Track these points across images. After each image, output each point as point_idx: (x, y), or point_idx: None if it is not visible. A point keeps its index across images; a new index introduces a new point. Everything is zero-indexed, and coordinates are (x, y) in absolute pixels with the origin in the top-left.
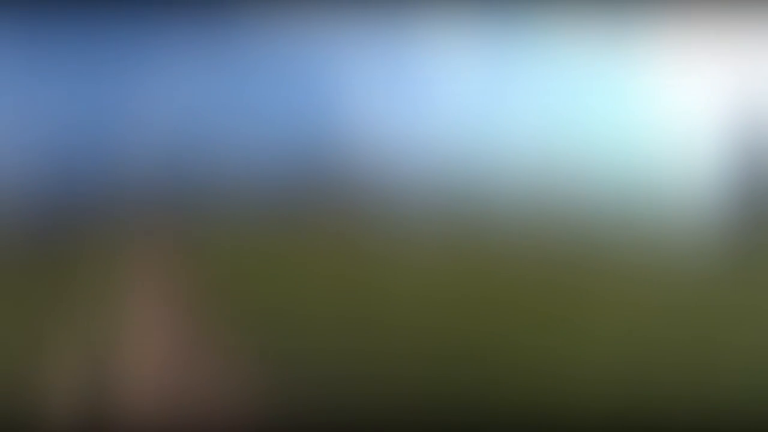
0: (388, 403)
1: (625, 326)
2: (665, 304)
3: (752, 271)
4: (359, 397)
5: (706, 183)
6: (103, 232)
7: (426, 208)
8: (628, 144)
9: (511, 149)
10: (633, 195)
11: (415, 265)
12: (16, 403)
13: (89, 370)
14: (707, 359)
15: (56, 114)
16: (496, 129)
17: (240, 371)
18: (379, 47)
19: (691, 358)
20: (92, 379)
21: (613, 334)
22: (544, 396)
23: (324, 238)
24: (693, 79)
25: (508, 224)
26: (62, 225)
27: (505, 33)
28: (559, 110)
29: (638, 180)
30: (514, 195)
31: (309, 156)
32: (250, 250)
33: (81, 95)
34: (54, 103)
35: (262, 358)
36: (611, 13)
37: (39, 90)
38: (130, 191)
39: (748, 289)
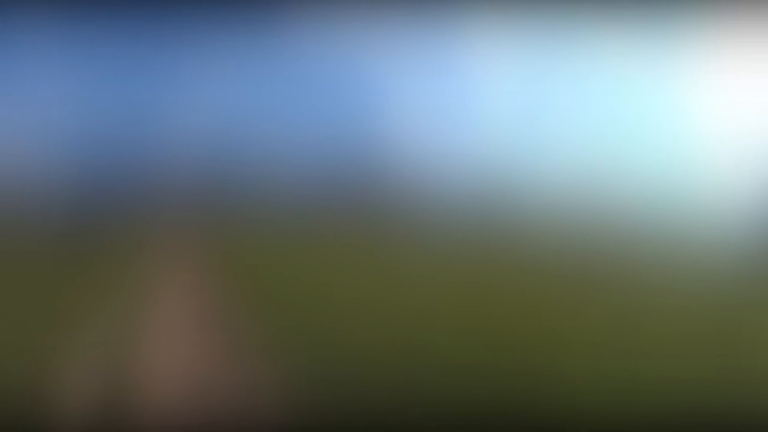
0: (411, 406)
1: (675, 340)
2: (704, 317)
3: None
4: (383, 399)
5: (745, 190)
6: (133, 230)
7: (462, 215)
8: (666, 151)
9: (550, 156)
10: (672, 202)
11: (449, 272)
12: (37, 401)
13: (112, 369)
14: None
15: (91, 111)
16: (535, 135)
17: (264, 373)
18: (419, 52)
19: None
20: (115, 378)
21: (667, 348)
22: (577, 406)
23: (355, 242)
24: (732, 84)
25: (547, 232)
26: (93, 222)
27: (545, 39)
28: (598, 117)
29: (676, 187)
30: (554, 202)
31: (344, 160)
32: (279, 253)
33: (116, 94)
34: (89, 101)
35: (287, 360)
36: (650, 19)
37: (75, 87)
38: (163, 191)
39: None
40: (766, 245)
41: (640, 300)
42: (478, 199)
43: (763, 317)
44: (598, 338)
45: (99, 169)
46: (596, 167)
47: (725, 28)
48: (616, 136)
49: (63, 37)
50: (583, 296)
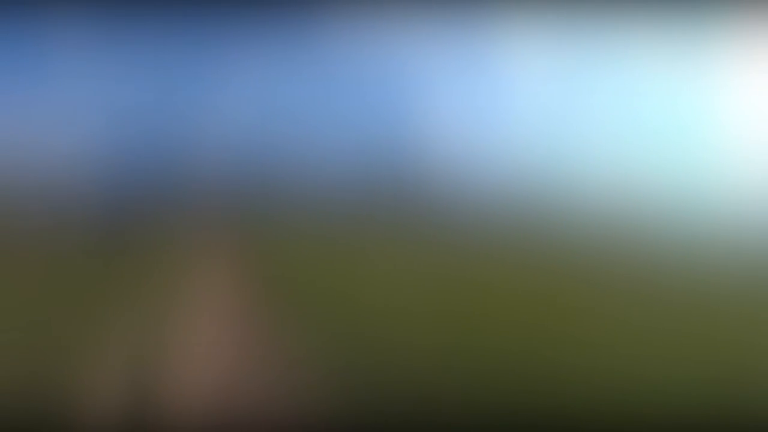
0: (442, 408)
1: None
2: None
3: None
4: (413, 401)
5: None
6: (165, 232)
7: (502, 211)
8: (698, 152)
9: (586, 154)
10: (703, 203)
11: (482, 273)
12: (68, 401)
13: (142, 369)
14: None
15: (123, 113)
16: (572, 133)
17: (294, 374)
18: (451, 52)
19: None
20: (145, 378)
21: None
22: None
23: (386, 243)
24: (762, 84)
25: (585, 226)
26: (123, 224)
27: (582, 37)
28: (635, 115)
29: (706, 187)
30: (590, 198)
31: (376, 161)
32: (310, 254)
33: (148, 96)
34: (121, 104)
35: (318, 361)
36: (688, 18)
37: (109, 89)
38: (194, 192)
39: None
40: None
41: (669, 302)
42: (510, 199)
43: None
44: (631, 342)
45: (130, 171)
46: (625, 167)
47: (756, 27)
48: (645, 136)
49: (95, 38)
50: (628, 300)
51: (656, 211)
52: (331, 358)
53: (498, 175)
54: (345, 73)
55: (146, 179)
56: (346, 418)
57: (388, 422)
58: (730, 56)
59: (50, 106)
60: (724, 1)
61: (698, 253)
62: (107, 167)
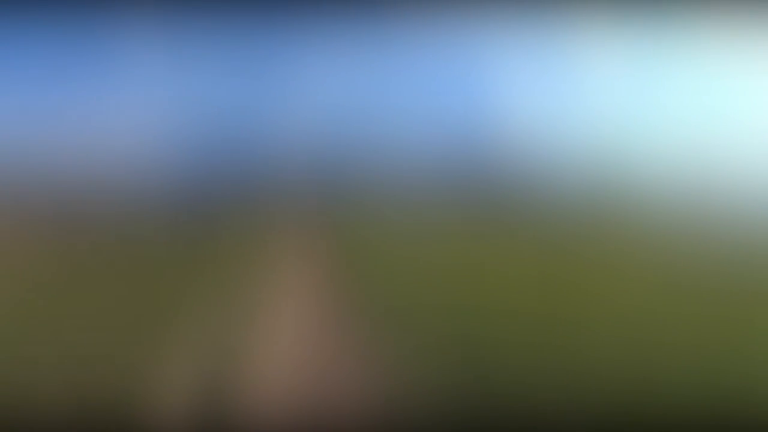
0: (522, 402)
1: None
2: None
3: None
4: (518, 399)
5: None
6: (249, 227)
7: (579, 204)
8: None
9: (657, 148)
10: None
11: (570, 260)
12: (146, 400)
13: (222, 367)
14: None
15: (210, 105)
16: (643, 128)
17: (383, 374)
18: (532, 45)
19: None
20: (225, 377)
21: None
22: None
23: (473, 233)
24: None
25: (659, 219)
26: (204, 220)
27: (651, 33)
28: (703, 110)
29: None
30: (662, 191)
31: (458, 152)
32: (409, 248)
33: (237, 87)
34: (208, 95)
35: (405, 360)
36: (753, 18)
37: (194, 83)
38: (294, 184)
39: None
40: None
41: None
42: (596, 186)
43: None
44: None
45: (213, 166)
46: (699, 165)
47: None
48: (717, 133)
49: (180, 32)
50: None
51: (735, 206)
52: (424, 359)
53: (577, 168)
54: (430, 68)
55: (233, 176)
56: (435, 424)
57: (473, 421)
58: None
59: (135, 104)
60: None
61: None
62: (193, 165)
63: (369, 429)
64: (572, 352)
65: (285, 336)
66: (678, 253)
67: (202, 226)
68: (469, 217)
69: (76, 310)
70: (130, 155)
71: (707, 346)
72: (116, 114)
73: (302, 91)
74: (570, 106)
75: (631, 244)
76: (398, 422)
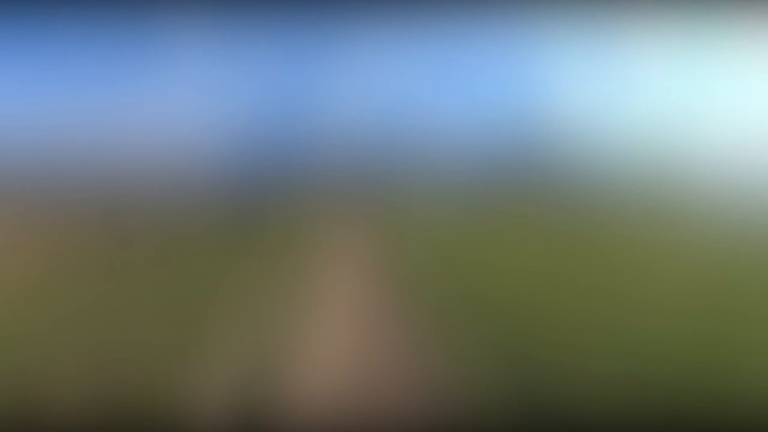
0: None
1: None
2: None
3: None
4: (556, 393)
5: None
6: (295, 221)
7: (625, 201)
8: None
9: (707, 146)
10: None
11: (618, 257)
12: (195, 395)
13: (271, 364)
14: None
15: (258, 100)
16: (694, 126)
17: (434, 371)
18: (584, 42)
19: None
20: (273, 374)
21: None
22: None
23: (524, 227)
24: None
25: (708, 218)
26: (254, 213)
27: (702, 32)
28: (748, 109)
29: None
30: (709, 189)
31: (506, 149)
32: (446, 241)
33: (284, 82)
34: (256, 90)
35: (458, 356)
36: None
37: (240, 78)
38: (335, 180)
39: None
40: None
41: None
42: (644, 183)
43: None
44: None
45: (259, 163)
46: (747, 163)
47: None
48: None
49: (229, 29)
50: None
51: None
52: (468, 358)
53: (622, 162)
54: (477, 63)
55: (279, 173)
56: (481, 423)
57: (517, 419)
58: None
59: (173, 102)
60: None
61: None
62: (240, 162)
63: (415, 429)
64: (617, 351)
65: (329, 334)
66: (717, 252)
67: (247, 223)
68: (519, 214)
69: (119, 307)
70: (178, 151)
71: (735, 344)
72: (165, 110)
73: (351, 85)
74: (616, 102)
75: (680, 241)
76: (445, 423)
